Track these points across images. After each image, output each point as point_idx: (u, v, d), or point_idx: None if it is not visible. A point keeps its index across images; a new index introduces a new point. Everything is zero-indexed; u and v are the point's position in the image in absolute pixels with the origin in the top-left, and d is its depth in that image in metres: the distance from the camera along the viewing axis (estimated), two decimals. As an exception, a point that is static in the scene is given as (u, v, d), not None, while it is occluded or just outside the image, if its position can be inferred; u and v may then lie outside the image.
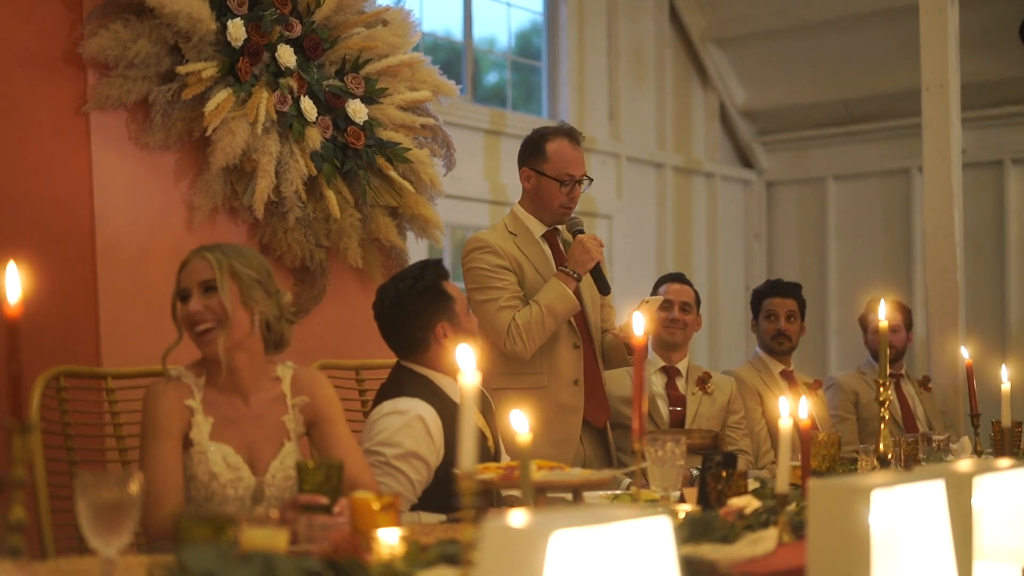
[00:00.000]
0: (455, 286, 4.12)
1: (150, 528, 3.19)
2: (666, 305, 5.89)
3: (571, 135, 4.99)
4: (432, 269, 4.09)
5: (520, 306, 4.79)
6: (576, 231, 4.93)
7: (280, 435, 3.46)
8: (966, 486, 2.60)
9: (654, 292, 6.05)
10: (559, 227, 5.04)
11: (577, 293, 4.85)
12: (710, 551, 2.58)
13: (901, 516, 2.33)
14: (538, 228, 4.99)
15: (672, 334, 5.93)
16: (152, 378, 4.02)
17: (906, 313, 7.03)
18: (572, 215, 4.99)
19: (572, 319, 4.89)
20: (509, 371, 4.86)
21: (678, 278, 6.18)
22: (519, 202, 5.06)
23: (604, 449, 5.02)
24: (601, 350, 5.05)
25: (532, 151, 5.00)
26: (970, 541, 2.58)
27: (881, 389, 4.24)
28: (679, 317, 5.94)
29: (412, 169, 5.36)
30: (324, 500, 2.89)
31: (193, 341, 3.43)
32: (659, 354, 5.93)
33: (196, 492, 3.35)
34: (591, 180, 5.00)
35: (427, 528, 3.26)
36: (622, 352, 4.97)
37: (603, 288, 4.89)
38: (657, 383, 5.88)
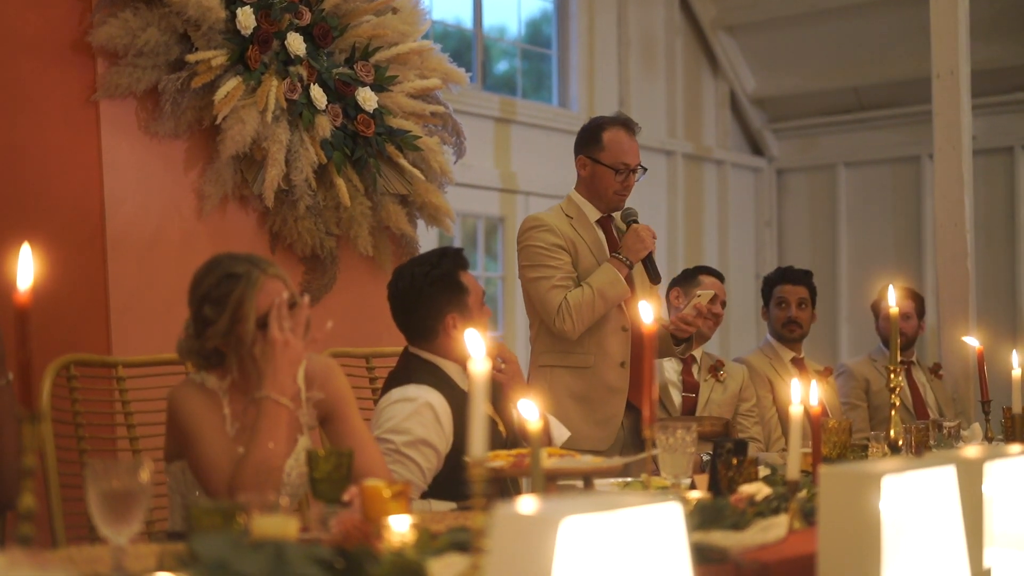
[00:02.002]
0: (472, 277, 4.10)
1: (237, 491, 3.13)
2: (711, 299, 5.89)
3: (627, 125, 5.09)
4: (451, 258, 4.06)
5: (572, 287, 4.89)
6: (631, 221, 5.05)
7: (294, 431, 3.44)
8: (977, 472, 2.60)
9: (688, 279, 6.04)
10: (613, 214, 5.12)
11: (629, 280, 4.96)
12: (721, 538, 2.57)
13: (912, 502, 2.32)
14: (593, 214, 5.09)
15: (710, 328, 5.91)
16: (161, 366, 4.05)
17: (919, 301, 7.02)
18: (627, 205, 5.09)
19: (622, 302, 4.95)
20: (557, 349, 4.98)
21: (715, 273, 6.19)
22: (575, 188, 5.14)
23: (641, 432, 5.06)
24: None
25: (588, 139, 5.09)
26: (981, 527, 2.57)
27: (892, 376, 4.24)
28: (720, 312, 5.97)
29: (422, 157, 5.36)
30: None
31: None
32: None
33: None
34: (645, 169, 5.13)
35: (438, 516, 3.26)
36: (668, 342, 5.08)
37: (653, 277, 5.01)
38: (672, 370, 5.88)
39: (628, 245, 4.94)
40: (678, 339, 5.04)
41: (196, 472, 3.32)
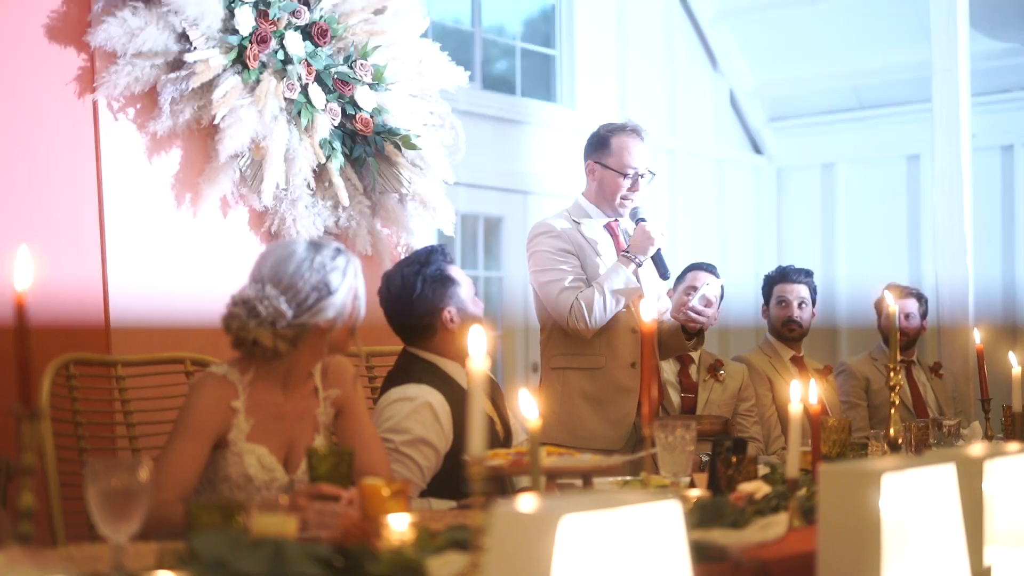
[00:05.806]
0: (461, 271, 4.13)
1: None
2: (690, 291, 5.80)
3: (635, 131, 5.17)
4: (438, 254, 4.10)
5: (583, 288, 4.95)
6: (639, 220, 5.09)
7: (313, 429, 3.45)
8: (977, 470, 2.60)
9: (680, 278, 6.02)
10: (619, 218, 5.19)
11: (637, 279, 5.01)
12: (720, 536, 2.58)
13: (912, 500, 2.32)
14: (600, 218, 5.16)
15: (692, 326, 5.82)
16: (160, 365, 4.05)
17: (922, 300, 7.00)
18: (634, 206, 5.14)
19: (631, 304, 4.98)
20: (569, 351, 5.06)
21: (709, 269, 6.05)
22: (583, 193, 5.22)
23: None
24: (657, 337, 5.11)
25: (597, 145, 5.17)
26: (981, 525, 2.58)
27: (892, 374, 4.23)
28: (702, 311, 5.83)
29: (421, 156, 5.36)
30: (336, 492, 2.89)
31: (342, 344, 3.43)
32: None
33: (228, 492, 3.31)
34: (654, 174, 5.18)
35: (437, 514, 3.26)
36: (680, 338, 5.11)
37: (663, 273, 5.08)
38: (669, 371, 5.86)
39: (636, 242, 5.01)
40: (689, 333, 5.06)
41: (157, 463, 3.25)
